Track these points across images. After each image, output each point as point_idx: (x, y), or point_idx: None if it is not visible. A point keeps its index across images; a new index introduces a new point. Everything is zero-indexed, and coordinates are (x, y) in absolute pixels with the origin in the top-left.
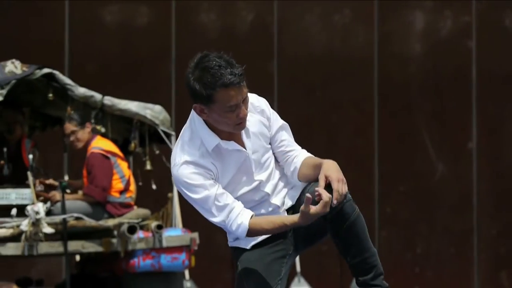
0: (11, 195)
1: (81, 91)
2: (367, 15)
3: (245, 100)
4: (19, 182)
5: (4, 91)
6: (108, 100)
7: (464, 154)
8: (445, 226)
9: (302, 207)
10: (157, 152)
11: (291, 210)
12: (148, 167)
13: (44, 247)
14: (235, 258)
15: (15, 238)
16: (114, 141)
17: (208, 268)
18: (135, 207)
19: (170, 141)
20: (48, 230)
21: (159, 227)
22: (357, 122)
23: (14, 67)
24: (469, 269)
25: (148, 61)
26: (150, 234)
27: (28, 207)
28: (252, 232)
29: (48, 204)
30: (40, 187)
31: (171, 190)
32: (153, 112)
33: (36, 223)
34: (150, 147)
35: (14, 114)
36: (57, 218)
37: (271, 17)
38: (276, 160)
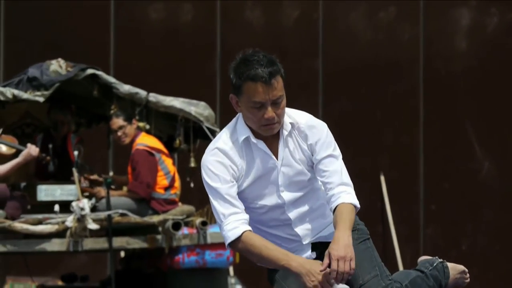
0: (56, 191)
1: (126, 88)
2: (413, 13)
3: (277, 104)
4: (64, 178)
5: (47, 93)
6: (153, 97)
7: (511, 151)
8: (490, 223)
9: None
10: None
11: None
12: (193, 164)
13: (89, 243)
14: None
15: (60, 234)
16: (159, 137)
17: (252, 264)
18: (179, 203)
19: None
20: (93, 226)
21: (204, 223)
22: (402, 119)
23: (58, 66)
24: None
25: (193, 58)
26: (194, 231)
27: (73, 203)
28: (241, 243)
29: (93, 200)
30: (85, 184)
31: None
32: (197, 108)
33: (81, 219)
34: (195, 144)
35: (61, 113)
36: (102, 214)
37: (316, 15)
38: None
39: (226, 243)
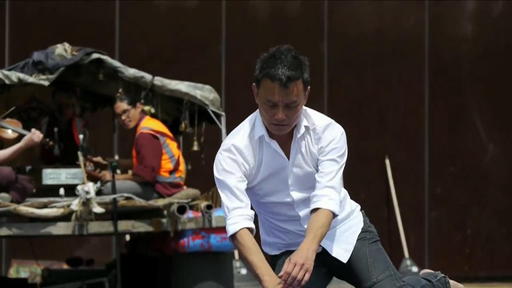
0: (62, 175)
1: (131, 72)
2: None
3: (290, 108)
4: (70, 161)
5: (53, 77)
6: (158, 80)
7: None
8: (495, 206)
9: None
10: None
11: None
12: (195, 147)
13: (94, 227)
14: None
15: (65, 217)
16: (164, 121)
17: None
18: (184, 187)
19: (220, 122)
20: (98, 209)
21: (209, 207)
22: (407, 102)
23: (64, 50)
24: None
25: (198, 42)
26: (199, 214)
27: (79, 187)
28: (236, 240)
29: (98, 184)
30: (90, 167)
31: None
32: (203, 92)
33: (86, 203)
34: (200, 128)
35: (66, 96)
36: (107, 198)
37: None
38: None
39: (227, 236)
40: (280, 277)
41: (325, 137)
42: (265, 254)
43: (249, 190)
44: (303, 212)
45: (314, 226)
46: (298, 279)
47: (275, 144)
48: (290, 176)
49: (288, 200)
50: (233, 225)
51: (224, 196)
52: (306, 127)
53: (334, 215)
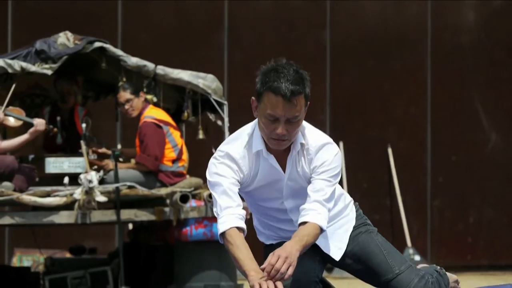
0: (64, 164)
1: (134, 60)
2: None
3: (291, 123)
4: (72, 150)
5: (55, 66)
6: (161, 69)
7: None
8: (497, 195)
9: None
10: (215, 120)
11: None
12: (201, 136)
13: (97, 216)
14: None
15: (68, 206)
16: (167, 110)
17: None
18: (187, 176)
19: (223, 110)
20: (101, 198)
21: (212, 196)
22: (410, 91)
23: (66, 39)
24: None
25: (201, 31)
26: (202, 203)
27: (81, 176)
28: (225, 238)
29: (101, 172)
30: (93, 156)
31: None
32: (205, 81)
33: (89, 192)
34: (203, 117)
35: (68, 84)
36: (110, 187)
37: None
38: None
39: (218, 235)
40: (263, 270)
41: (318, 157)
42: (260, 243)
43: (242, 191)
44: (295, 217)
45: (300, 233)
46: (281, 271)
47: (272, 159)
48: (284, 188)
49: (282, 208)
50: (223, 224)
51: (216, 196)
52: (302, 144)
53: (322, 230)
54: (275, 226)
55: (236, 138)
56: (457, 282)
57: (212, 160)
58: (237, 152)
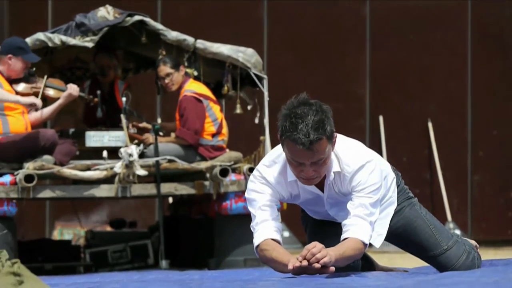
0: (105, 137)
1: (174, 34)
2: None
3: (317, 164)
4: (113, 124)
5: (96, 38)
6: (201, 43)
7: None
8: None
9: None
10: (250, 106)
11: None
12: (238, 110)
13: (137, 189)
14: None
15: (108, 180)
16: (207, 84)
17: (299, 211)
18: (227, 150)
19: (262, 85)
20: (141, 172)
21: (251, 169)
22: (450, 65)
23: (106, 12)
24: None
25: (241, 5)
26: (242, 177)
27: (122, 149)
28: (259, 249)
29: (141, 146)
30: (133, 130)
31: (263, 133)
32: (245, 55)
33: (129, 165)
34: (242, 91)
35: (108, 58)
36: (150, 161)
37: None
38: None
39: (254, 249)
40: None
41: (356, 179)
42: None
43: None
44: (341, 218)
45: (339, 245)
46: (316, 256)
47: (309, 186)
48: (326, 203)
49: (327, 214)
50: (258, 237)
51: (253, 211)
52: (336, 173)
53: (364, 244)
54: (318, 219)
55: (274, 162)
56: (476, 247)
57: (251, 177)
58: (273, 177)
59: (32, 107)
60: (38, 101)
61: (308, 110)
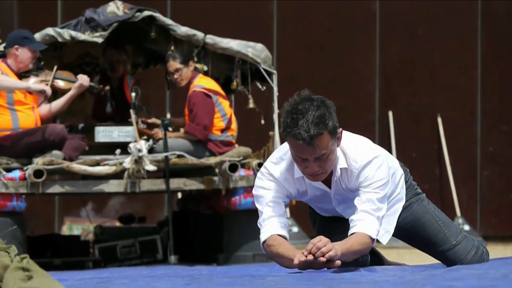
0: (114, 133)
1: (183, 29)
2: None
3: (321, 160)
4: (122, 119)
5: (106, 33)
6: (210, 38)
7: None
8: None
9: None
10: (264, 88)
11: None
12: (251, 105)
13: (146, 185)
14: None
15: (117, 175)
16: (216, 79)
17: (307, 207)
18: (236, 145)
19: (272, 80)
20: (151, 167)
21: (260, 165)
22: (460, 60)
23: (116, 8)
24: None
25: (251, 0)
26: (251, 172)
27: (131, 145)
28: (266, 245)
29: (151, 141)
30: (142, 125)
31: (273, 129)
32: (254, 50)
33: (138, 161)
34: (252, 86)
35: (117, 53)
36: (159, 156)
37: None
38: None
39: (261, 245)
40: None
41: (363, 175)
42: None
43: (296, 199)
44: (348, 214)
45: (346, 240)
46: (322, 250)
47: (316, 183)
48: (333, 200)
49: (334, 210)
50: (264, 233)
51: (260, 208)
52: (343, 169)
53: (371, 238)
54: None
55: (281, 159)
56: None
57: (258, 174)
58: (280, 174)
59: (42, 94)
60: (47, 88)
61: (310, 105)
